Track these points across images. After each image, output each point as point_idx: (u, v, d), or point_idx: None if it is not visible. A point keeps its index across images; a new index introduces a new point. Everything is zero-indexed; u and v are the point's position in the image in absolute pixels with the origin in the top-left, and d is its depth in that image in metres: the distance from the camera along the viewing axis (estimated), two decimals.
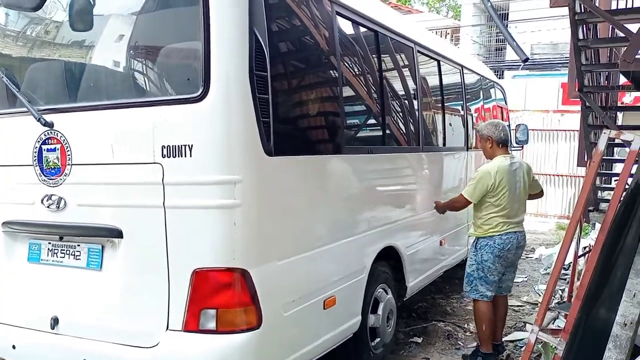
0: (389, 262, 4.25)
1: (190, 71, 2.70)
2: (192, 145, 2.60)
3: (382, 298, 4.08)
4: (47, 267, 3.08)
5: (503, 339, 4.68)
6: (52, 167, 2.93)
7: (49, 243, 3.08)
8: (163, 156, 2.65)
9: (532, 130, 12.39)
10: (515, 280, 6.79)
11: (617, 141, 5.50)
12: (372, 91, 4.04)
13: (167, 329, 2.70)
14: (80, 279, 2.96)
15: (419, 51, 4.85)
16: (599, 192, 8.19)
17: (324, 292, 3.28)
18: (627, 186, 2.99)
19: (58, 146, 2.91)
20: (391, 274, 4.32)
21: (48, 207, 2.97)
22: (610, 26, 5.50)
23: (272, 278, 2.83)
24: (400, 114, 4.61)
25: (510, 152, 4.44)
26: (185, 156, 2.61)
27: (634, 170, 2.96)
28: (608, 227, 2.85)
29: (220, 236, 2.63)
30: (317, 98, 3.38)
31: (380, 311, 4.02)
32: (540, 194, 4.59)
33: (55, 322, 2.97)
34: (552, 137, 13.46)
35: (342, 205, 3.53)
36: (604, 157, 7.75)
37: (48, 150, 2.94)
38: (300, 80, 3.24)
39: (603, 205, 8.14)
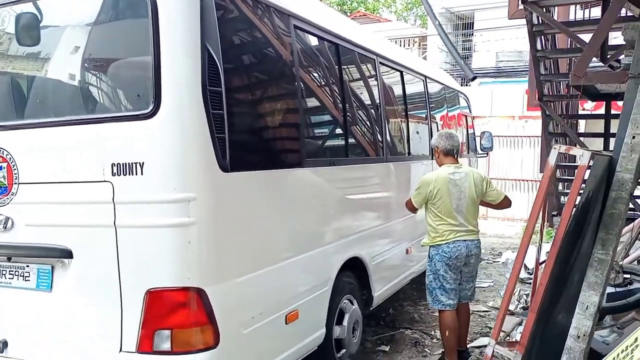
0: (354, 272, 4.22)
1: (140, 87, 2.64)
2: (143, 163, 2.54)
3: (347, 309, 4.05)
4: None
5: (468, 345, 4.71)
6: None
7: None
8: (113, 174, 2.58)
9: (498, 136, 12.58)
10: (481, 285, 6.92)
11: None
12: (334, 103, 4.02)
13: (120, 350, 2.62)
14: (30, 300, 2.86)
15: (381, 62, 4.86)
16: (562, 197, 8.35)
17: (285, 306, 3.23)
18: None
19: (4, 165, 2.81)
20: (357, 284, 4.30)
21: None
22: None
23: (231, 295, 2.77)
24: (364, 125, 4.60)
25: (457, 161, 4.41)
26: (137, 174, 2.55)
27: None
28: (560, 240, 2.86)
29: (174, 255, 2.56)
30: (276, 111, 3.34)
31: (345, 322, 3.99)
32: (503, 203, 4.50)
33: (4, 345, 2.87)
34: (517, 143, 13.68)
35: (304, 219, 3.49)
36: (563, 164, 7.90)
37: None
38: (257, 94, 3.20)
39: None
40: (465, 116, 8.21)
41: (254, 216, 2.97)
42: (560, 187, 8.16)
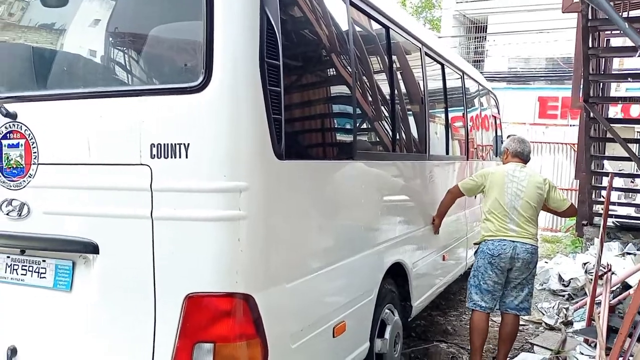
0: (394, 279, 3.83)
1: (188, 55, 2.24)
2: (188, 145, 2.14)
3: (389, 320, 3.66)
4: (5, 286, 2.56)
5: None
6: (14, 166, 2.44)
7: (8, 257, 2.56)
8: (152, 157, 2.19)
9: None
10: None
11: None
12: (384, 93, 3.63)
13: None
14: (45, 301, 2.46)
15: (426, 53, 4.47)
16: (594, 205, 7.98)
17: (334, 317, 2.83)
18: None
19: (22, 141, 2.41)
20: (397, 292, 3.91)
21: (7, 214, 2.47)
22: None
23: (280, 304, 2.38)
24: (410, 118, 4.21)
25: (524, 163, 4.24)
26: (180, 157, 2.15)
27: None
28: None
29: (221, 254, 2.17)
30: (332, 96, 2.96)
31: (387, 335, 3.60)
32: (568, 211, 4.28)
33: (13, 352, 2.47)
34: (536, 150, 13.28)
35: (354, 217, 3.10)
36: (598, 171, 7.51)
37: (9, 146, 2.44)
38: (314, 74, 2.82)
39: (597, 220, 7.94)
40: (495, 117, 7.83)
41: (306, 212, 2.58)
42: (593, 196, 7.80)
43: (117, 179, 2.26)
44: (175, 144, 2.16)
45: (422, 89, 4.37)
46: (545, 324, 5.36)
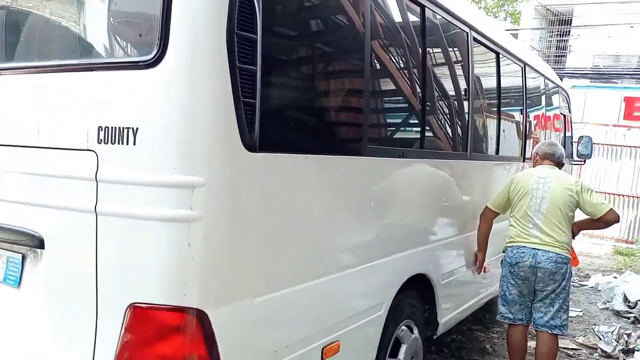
0: (417, 291, 3.39)
1: (145, 24, 1.92)
2: (137, 129, 1.81)
3: (405, 338, 3.23)
4: None
5: None
6: None
7: None
8: (99, 141, 1.88)
9: (594, 144, 11.27)
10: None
11: None
12: (411, 80, 3.18)
13: None
14: None
15: (474, 38, 3.95)
16: None
17: (323, 336, 2.44)
18: None
19: None
20: (420, 306, 3.47)
21: None
22: None
23: (244, 321, 2.02)
24: (446, 112, 3.73)
25: (555, 166, 3.95)
26: (127, 143, 1.83)
27: None
28: None
29: (168, 261, 1.83)
30: (331, 77, 2.55)
31: (402, 355, 3.17)
32: (606, 218, 3.70)
33: None
34: (615, 153, 12.23)
35: (356, 222, 2.68)
36: None
37: None
38: (307, 49, 2.42)
39: None
40: (564, 116, 7.11)
41: (286, 215, 2.18)
42: None
43: (62, 166, 1.97)
44: (123, 128, 1.83)
45: (467, 79, 3.86)
46: (602, 350, 4.73)
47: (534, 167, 4.11)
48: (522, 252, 3.68)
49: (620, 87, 17.28)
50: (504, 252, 3.96)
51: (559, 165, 4.00)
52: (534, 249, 3.65)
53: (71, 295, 1.99)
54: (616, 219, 3.79)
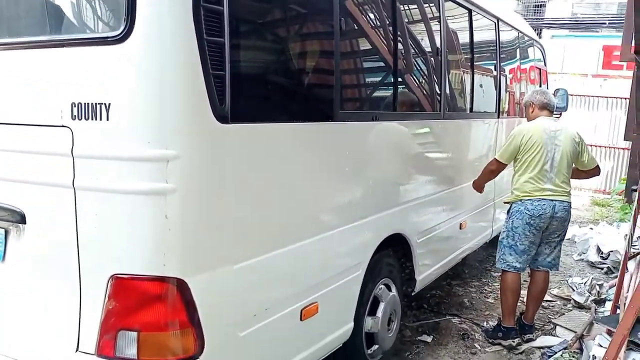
0: (394, 250, 3.49)
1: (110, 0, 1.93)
2: (109, 105, 1.85)
3: (383, 297, 3.35)
4: None
5: (531, 335, 4.17)
6: None
7: None
8: (73, 117, 1.91)
9: (571, 95, 11.35)
10: None
11: None
12: (382, 41, 3.20)
13: (77, 349, 2.01)
14: None
15: None
16: None
17: (301, 298, 2.54)
18: None
19: None
20: (397, 265, 3.58)
21: None
22: None
23: (223, 288, 2.10)
24: (418, 72, 3.75)
25: (553, 117, 4.05)
26: (101, 119, 1.86)
27: None
28: None
29: (146, 233, 1.89)
30: (301, 44, 2.57)
31: (380, 313, 3.30)
32: (593, 171, 4.16)
33: None
34: (592, 104, 12.32)
35: (331, 187, 2.74)
36: None
37: None
38: (274, 16, 2.43)
39: None
40: (539, 70, 7.16)
41: (262, 184, 2.24)
42: None
43: (39, 142, 2.00)
44: (95, 104, 1.87)
45: (438, 37, 3.88)
46: (575, 301, 4.91)
47: (528, 117, 4.20)
48: (543, 204, 3.85)
49: (599, 36, 17.29)
50: (506, 203, 4.17)
51: (552, 112, 4.18)
52: (552, 200, 3.86)
53: (55, 268, 2.05)
54: (598, 173, 4.22)
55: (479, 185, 4.40)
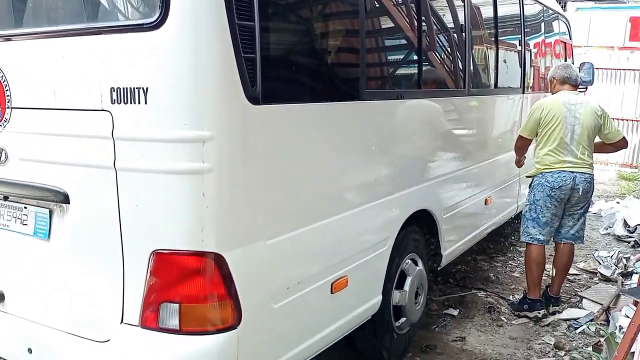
0: (420, 226, 3.56)
1: None
2: (147, 89, 1.93)
3: (410, 271, 3.43)
4: None
5: (557, 307, 4.26)
6: None
7: None
8: (112, 102, 2.00)
9: (597, 69, 11.16)
10: None
11: None
12: (405, 19, 3.23)
13: (121, 322, 2.13)
14: (27, 248, 2.40)
15: None
16: None
17: (331, 272, 2.63)
18: None
19: None
20: (423, 240, 3.65)
21: None
22: None
23: (259, 262, 2.20)
24: (442, 49, 3.78)
25: (575, 91, 4.15)
26: (139, 103, 1.95)
27: None
28: None
29: (185, 210, 1.99)
30: (328, 26, 2.62)
31: (407, 287, 3.38)
32: (619, 143, 4.17)
33: (1, 298, 2.46)
34: (618, 77, 12.11)
35: (359, 165, 2.82)
36: None
37: None
38: (303, 4, 2.49)
39: None
40: (564, 43, 7.08)
41: (292, 162, 2.33)
42: None
43: (81, 126, 2.10)
44: (134, 88, 1.95)
45: (462, 13, 3.88)
46: (601, 274, 4.93)
47: (552, 91, 4.25)
48: (564, 176, 3.92)
49: (626, 7, 16.85)
50: (528, 177, 4.25)
51: (576, 87, 4.20)
52: (572, 172, 3.91)
53: (98, 245, 2.16)
54: (626, 145, 4.24)
55: (516, 162, 4.58)
